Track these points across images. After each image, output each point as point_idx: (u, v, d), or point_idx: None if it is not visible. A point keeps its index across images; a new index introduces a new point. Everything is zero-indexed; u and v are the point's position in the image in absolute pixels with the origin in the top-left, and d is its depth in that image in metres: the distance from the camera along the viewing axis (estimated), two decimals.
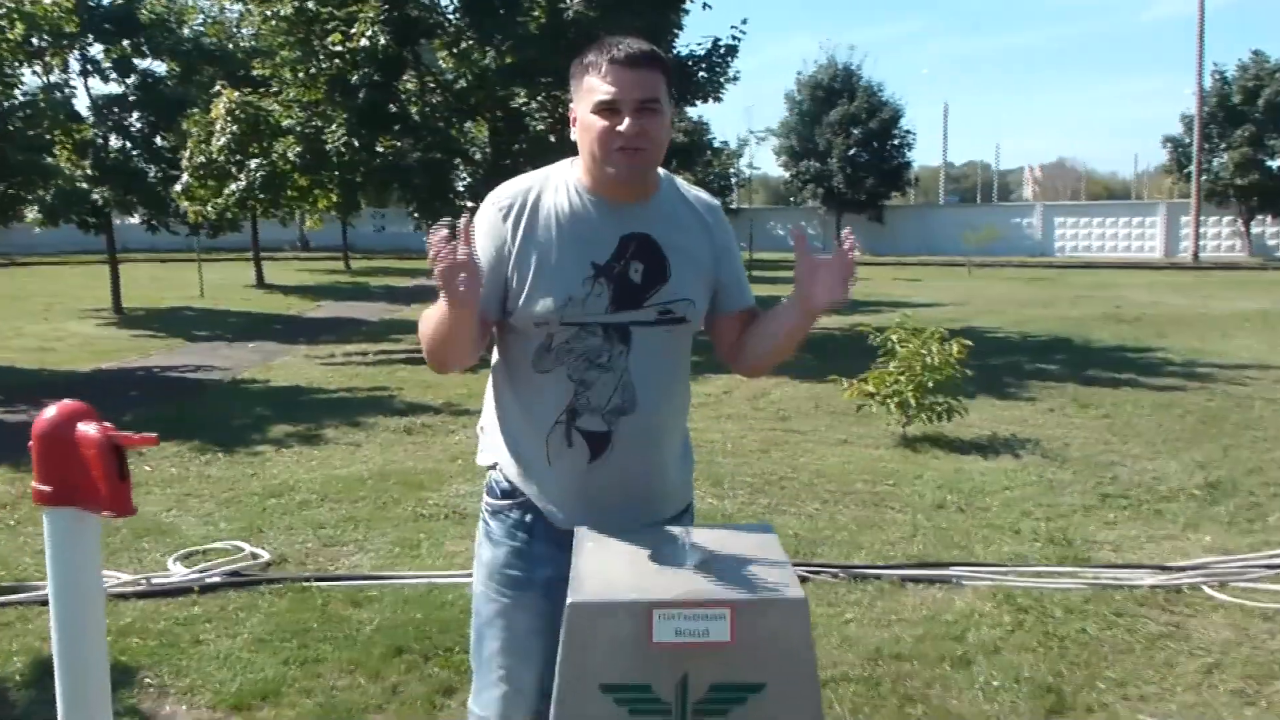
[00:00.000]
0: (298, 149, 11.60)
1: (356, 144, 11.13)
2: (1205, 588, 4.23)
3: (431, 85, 12.26)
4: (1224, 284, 22.50)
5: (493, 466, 2.12)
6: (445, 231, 1.73)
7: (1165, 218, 34.18)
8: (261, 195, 11.84)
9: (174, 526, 5.14)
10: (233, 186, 11.84)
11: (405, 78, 11.83)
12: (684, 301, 1.99)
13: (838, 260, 1.89)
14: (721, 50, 12.39)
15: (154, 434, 1.79)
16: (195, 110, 13.99)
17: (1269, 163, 31.09)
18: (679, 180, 2.10)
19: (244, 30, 18.20)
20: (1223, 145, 31.49)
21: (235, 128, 11.05)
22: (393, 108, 11.90)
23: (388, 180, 12.50)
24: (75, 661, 1.87)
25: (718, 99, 13.16)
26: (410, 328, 15.04)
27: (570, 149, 2.03)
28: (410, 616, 3.93)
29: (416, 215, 12.36)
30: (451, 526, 5.15)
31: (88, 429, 1.79)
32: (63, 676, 1.88)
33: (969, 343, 7.15)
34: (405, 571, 4.46)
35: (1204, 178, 31.13)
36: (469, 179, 12.50)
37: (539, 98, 11.82)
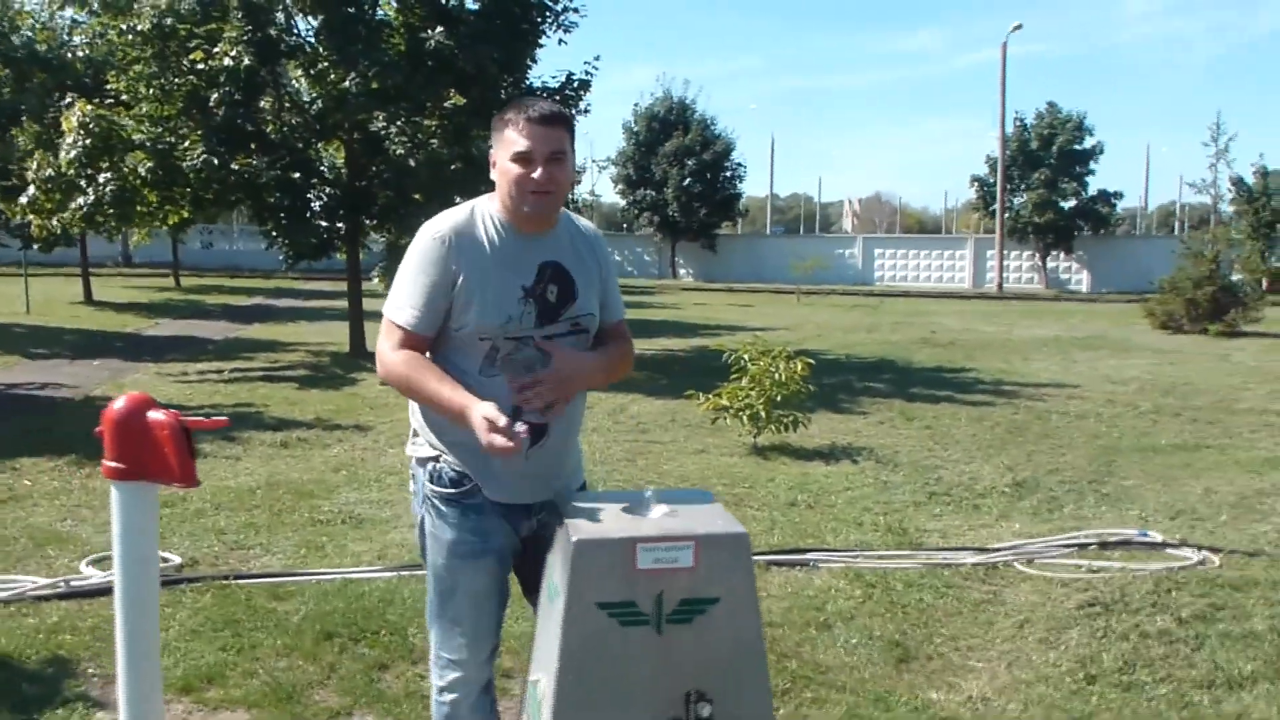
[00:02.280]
0: (149, 164, 11.48)
1: (216, 161, 11.11)
2: (1016, 564, 5.05)
3: (288, 105, 12.33)
4: (1024, 313, 24.69)
5: (434, 459, 2.45)
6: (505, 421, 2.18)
7: (973, 251, 37.00)
8: (111, 210, 11.59)
9: (74, 535, 5.25)
10: (80, 201, 11.56)
11: (263, 98, 11.87)
12: (588, 315, 2.49)
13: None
14: (575, 84, 12.97)
15: (224, 417, 2.17)
16: (27, 120, 13.54)
17: (1062, 203, 34.26)
18: (569, 214, 2.57)
19: (77, 39, 17.58)
20: (1022, 186, 34.52)
21: (88, 141, 10.83)
22: (249, 127, 11.90)
23: (242, 198, 12.48)
24: (136, 617, 2.23)
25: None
26: (258, 346, 14.85)
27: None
28: (333, 606, 4.27)
29: (275, 234, 12.37)
30: (350, 530, 5.46)
31: (158, 415, 2.16)
32: (124, 627, 2.22)
33: (811, 361, 7.94)
34: (319, 569, 4.77)
35: (1006, 215, 33.96)
36: (325, 199, 12.60)
37: (398, 122, 12.09)
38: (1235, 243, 20.10)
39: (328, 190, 12.66)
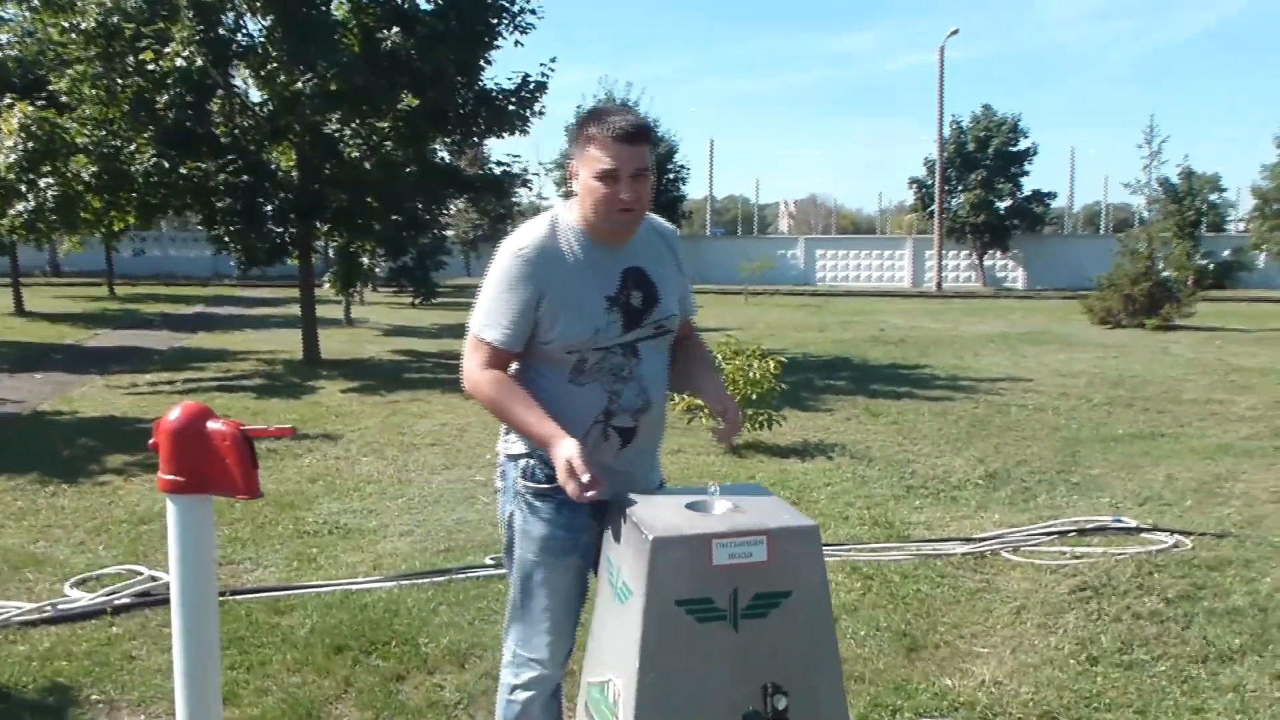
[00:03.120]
0: (93, 169, 11.19)
1: (166, 165, 10.86)
2: (1003, 553, 5.17)
3: (239, 107, 12.11)
4: (966, 310, 25.19)
5: (527, 455, 2.48)
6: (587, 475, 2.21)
7: (912, 251, 37.65)
8: (54, 217, 11.27)
9: (50, 556, 5.10)
10: (20, 207, 11.22)
11: (214, 100, 11.63)
12: (671, 317, 2.52)
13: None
14: (531, 86, 12.94)
15: (289, 425, 2.14)
16: None
17: (998, 204, 35.03)
18: (646, 213, 2.57)
19: (3, 37, 17.07)
20: (960, 187, 35.21)
21: (29, 144, 10.52)
22: (200, 129, 11.67)
23: (191, 203, 12.23)
24: (197, 636, 2.19)
25: (524, 132, 13.68)
26: (207, 355, 14.56)
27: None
28: (338, 619, 4.21)
29: (227, 240, 12.14)
30: (339, 540, 5.39)
31: (217, 425, 2.13)
32: (183, 645, 2.18)
33: (784, 360, 8.03)
34: (316, 581, 4.70)
35: (944, 215, 34.61)
36: (278, 203, 12.39)
37: (353, 124, 11.95)
38: (1165, 241, 20.71)
39: (280, 194, 12.43)
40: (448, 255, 28.48)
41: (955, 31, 35.06)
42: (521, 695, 2.52)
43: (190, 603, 2.17)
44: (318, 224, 12.96)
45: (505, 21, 12.59)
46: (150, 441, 2.20)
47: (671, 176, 38.89)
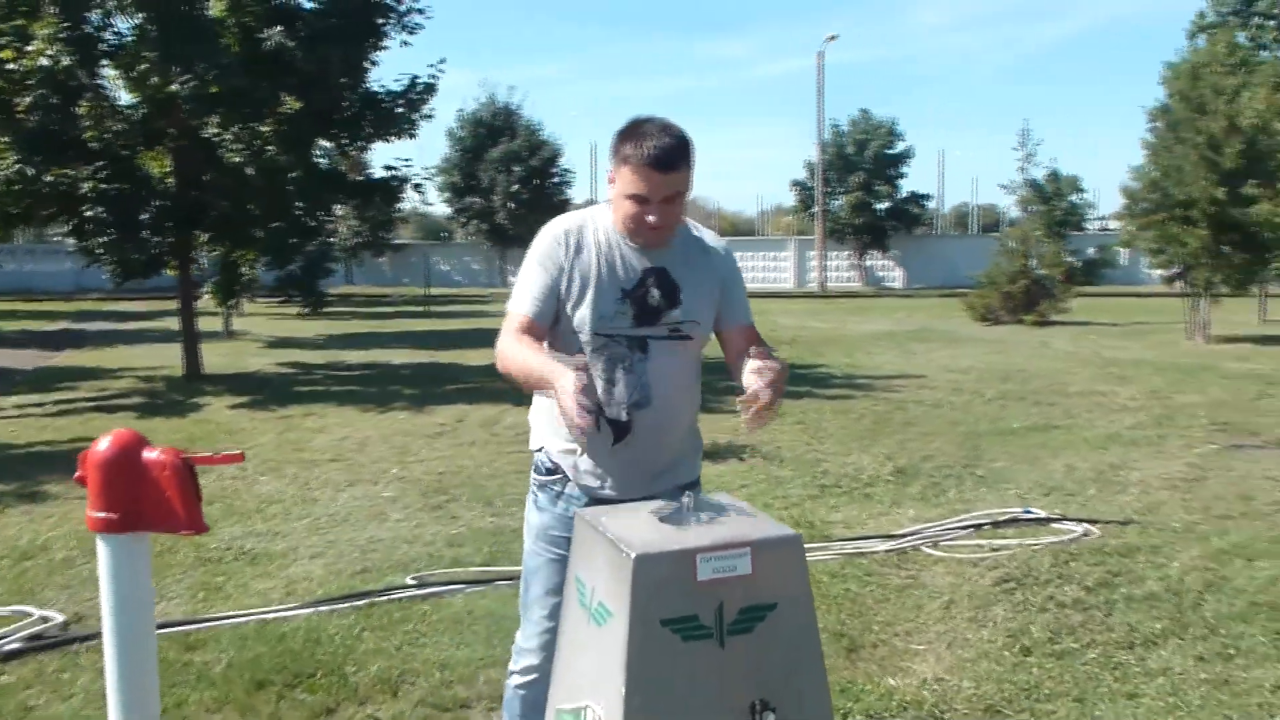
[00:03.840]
0: None
1: (30, 172, 10.20)
2: (924, 548, 5.24)
3: (109, 110, 11.46)
4: (850, 310, 25.80)
5: (539, 450, 2.55)
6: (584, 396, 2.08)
7: (795, 252, 38.38)
8: None
9: None
10: None
11: (81, 102, 10.96)
12: (690, 323, 2.45)
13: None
14: (419, 88, 12.65)
15: (239, 451, 1.96)
16: None
17: (876, 206, 36.02)
18: (692, 223, 2.57)
19: None
20: (840, 189, 36.06)
21: None
22: (66, 134, 10.99)
23: (58, 213, 11.53)
24: (134, 686, 1.99)
25: (412, 135, 13.38)
26: (78, 374, 13.73)
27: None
28: (256, 652, 3.95)
29: (99, 251, 11.48)
30: (246, 567, 5.10)
31: (155, 454, 1.94)
32: (120, 699, 1.98)
33: None
34: (228, 612, 4.43)
35: (826, 217, 35.41)
36: (155, 211, 11.77)
37: (234, 128, 11.46)
38: (1038, 240, 21.60)
39: (156, 202, 11.82)
40: (335, 262, 27.71)
41: (834, 37, 35.93)
42: (518, 683, 2.57)
43: (127, 652, 1.98)
44: (197, 233, 12.38)
45: (392, 21, 12.29)
46: (76, 475, 2.00)
47: (557, 180, 38.84)
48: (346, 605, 4.44)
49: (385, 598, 4.53)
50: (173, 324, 13.26)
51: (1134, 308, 23.76)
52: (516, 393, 9.44)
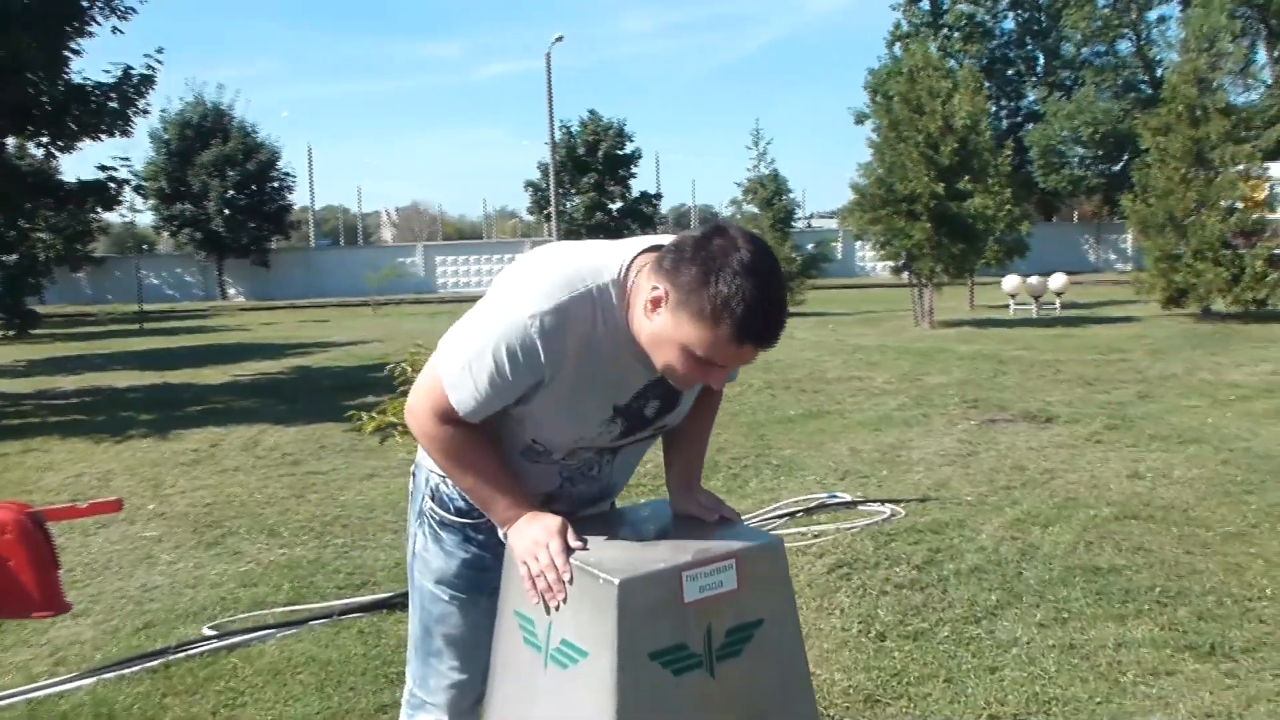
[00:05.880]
0: None
1: None
2: None
3: None
4: None
5: (443, 477, 2.06)
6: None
7: None
8: None
9: None
10: None
11: None
12: (679, 418, 2.06)
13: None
14: (135, 80, 11.39)
15: (116, 498, 1.48)
16: None
17: (610, 205, 36.63)
18: None
19: None
20: (574, 190, 36.35)
21: None
22: None
23: None
24: None
25: (126, 133, 12.07)
26: None
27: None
28: None
29: None
30: None
31: None
32: None
33: None
34: None
35: (561, 218, 35.60)
36: None
37: None
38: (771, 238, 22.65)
39: None
40: (43, 277, 24.67)
41: (560, 38, 35.99)
42: None
43: None
44: None
45: (99, 5, 10.97)
46: None
47: (275, 185, 36.66)
48: (138, 668, 3.77)
49: (182, 654, 3.89)
50: None
51: (858, 298, 25.51)
52: (275, 411, 8.65)
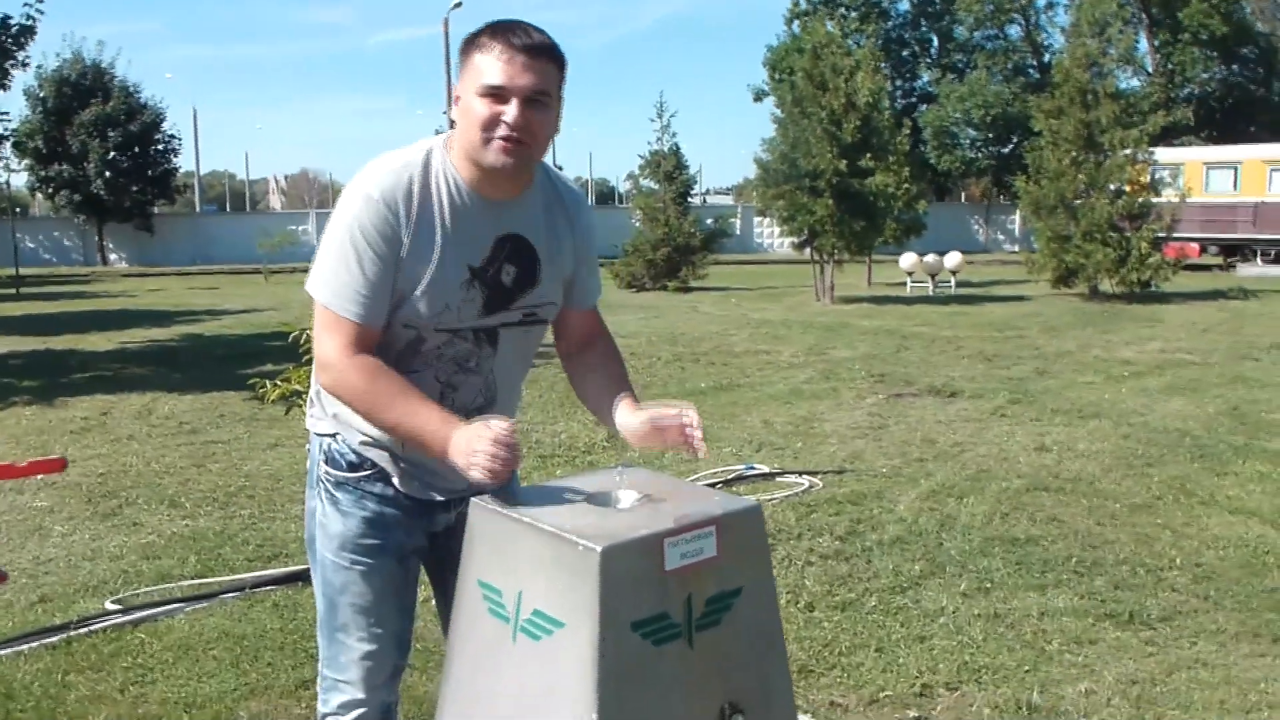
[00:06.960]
0: None
1: None
2: None
3: None
4: None
5: (332, 435, 2.02)
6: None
7: None
8: None
9: None
10: None
11: None
12: (549, 305, 2.03)
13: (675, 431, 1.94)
14: (14, 30, 10.68)
15: (60, 456, 1.34)
16: None
17: None
18: (551, 169, 2.06)
19: None
20: None
21: None
22: None
23: None
24: None
25: (3, 86, 11.35)
26: None
27: None
28: None
29: None
30: None
31: None
32: None
33: None
34: None
35: None
36: None
37: None
38: (658, 210, 22.62)
39: None
40: None
41: (460, 4, 35.12)
42: None
43: None
44: None
45: None
46: None
47: (161, 148, 35.03)
48: (37, 644, 3.53)
49: (85, 629, 3.66)
50: None
51: (759, 274, 25.75)
52: (168, 379, 8.31)
